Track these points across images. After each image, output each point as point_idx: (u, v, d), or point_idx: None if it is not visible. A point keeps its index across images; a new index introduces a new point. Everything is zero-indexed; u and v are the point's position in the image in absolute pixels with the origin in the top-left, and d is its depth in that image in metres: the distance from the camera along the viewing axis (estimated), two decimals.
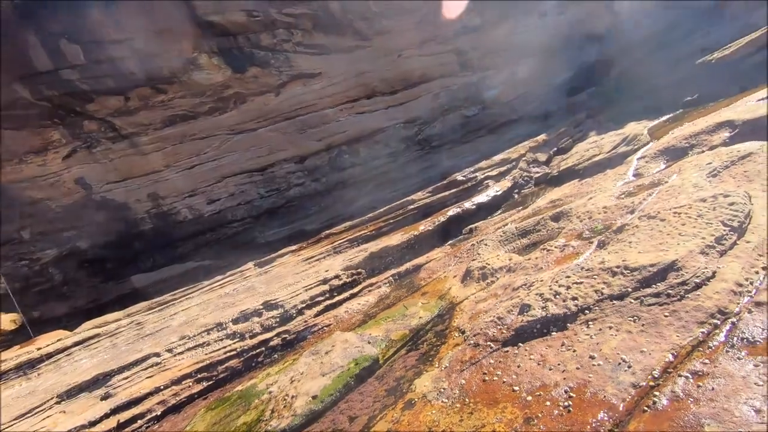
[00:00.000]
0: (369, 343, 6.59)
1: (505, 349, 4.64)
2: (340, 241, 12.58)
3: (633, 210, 6.68)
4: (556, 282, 5.13)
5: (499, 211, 13.17)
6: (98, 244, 14.89)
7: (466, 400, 4.19)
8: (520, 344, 4.59)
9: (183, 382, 8.18)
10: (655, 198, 6.53)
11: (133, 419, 7.62)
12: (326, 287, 9.82)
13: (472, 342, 5.07)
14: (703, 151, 8.83)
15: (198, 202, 17.87)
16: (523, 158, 15.43)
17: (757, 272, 4.16)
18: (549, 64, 23.06)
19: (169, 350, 8.75)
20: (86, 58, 14.69)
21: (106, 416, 7.62)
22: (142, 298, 13.57)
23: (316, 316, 9.32)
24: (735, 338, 3.52)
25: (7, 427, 7.18)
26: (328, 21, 18.02)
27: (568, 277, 5.09)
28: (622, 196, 7.78)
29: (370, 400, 5.05)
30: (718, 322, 3.74)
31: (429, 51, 20.52)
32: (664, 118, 15.38)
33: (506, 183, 13.99)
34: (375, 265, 10.84)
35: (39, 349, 9.83)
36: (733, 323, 3.68)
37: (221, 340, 8.91)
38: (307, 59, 18.34)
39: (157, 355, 8.62)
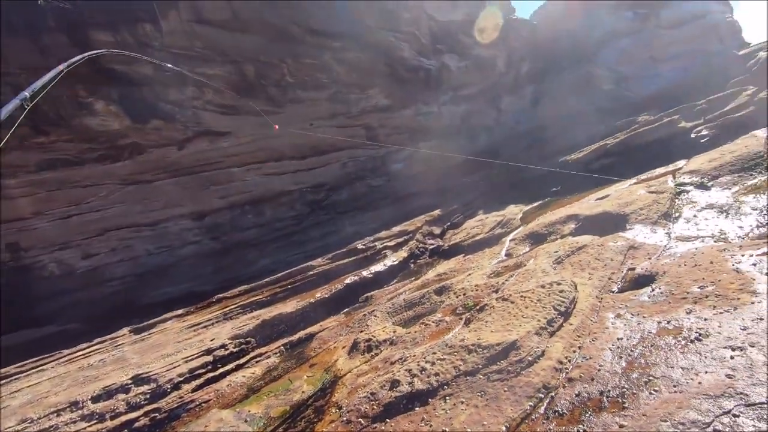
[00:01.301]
0: (246, 421, 6.39)
1: (374, 425, 4.93)
2: (232, 307, 12.12)
3: (497, 289, 7.73)
4: (425, 358, 5.67)
5: (395, 280, 13.92)
6: None
7: None
8: (387, 420, 4.93)
9: None
10: (513, 280, 7.67)
11: None
12: (209, 358, 9.30)
13: (345, 418, 5.28)
14: (556, 239, 10.62)
15: (70, 256, 16.09)
16: (420, 231, 16.75)
17: (574, 351, 5.13)
18: (447, 146, 25.92)
19: None
20: None
21: None
22: None
23: (194, 390, 8.69)
24: (550, 411, 4.27)
25: None
26: (242, 84, 18.57)
27: (434, 353, 5.68)
28: (492, 275, 8.94)
29: None
30: (542, 396, 4.50)
31: (339, 123, 21.95)
32: (536, 204, 18.09)
33: (403, 253, 14.97)
34: (267, 333, 10.60)
35: None
36: (552, 397, 4.47)
37: (74, 422, 7.82)
38: (216, 118, 18.46)
39: None
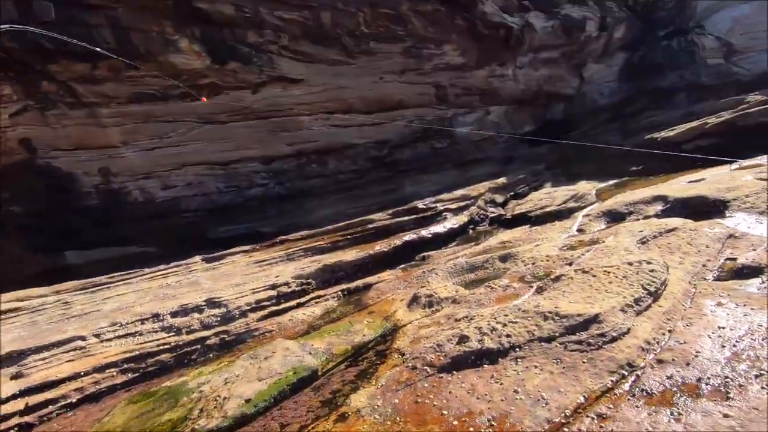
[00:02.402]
0: (310, 353, 6.68)
1: (440, 375, 4.94)
2: (294, 249, 12.59)
3: (571, 262, 7.33)
4: (495, 318, 5.54)
5: (453, 244, 13.74)
6: (34, 211, 13.96)
7: (397, 418, 4.42)
8: (454, 372, 4.91)
9: (106, 371, 7.82)
10: (591, 255, 7.22)
11: (44, 404, 7.16)
12: (274, 293, 9.79)
13: (410, 364, 5.34)
14: (638, 219, 9.83)
15: (152, 185, 17.26)
16: (482, 197, 16.26)
17: (664, 334, 4.76)
18: (517, 114, 24.61)
19: (97, 335, 8.34)
20: (58, 17, 14.07)
21: (14, 397, 7.12)
22: (74, 277, 12.79)
23: (259, 320, 9.24)
24: (636, 389, 4.03)
25: None
26: (317, 31, 18.34)
27: (506, 315, 5.52)
28: (565, 248, 8.49)
29: (303, 409, 5.15)
30: (626, 373, 4.25)
31: (409, 80, 21.30)
32: (611, 182, 16.85)
33: (463, 218, 14.65)
34: (326, 277, 10.94)
35: None
36: (637, 375, 4.20)
37: (155, 331, 8.62)
38: (291, 64, 18.51)
39: (83, 338, 8.19)
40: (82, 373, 7.65)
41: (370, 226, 13.66)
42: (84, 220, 15.59)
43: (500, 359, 4.87)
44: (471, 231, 15.10)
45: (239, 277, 10.82)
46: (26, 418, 6.99)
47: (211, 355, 8.44)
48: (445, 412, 4.28)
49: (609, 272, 5.93)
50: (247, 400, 5.57)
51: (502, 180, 17.63)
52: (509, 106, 24.08)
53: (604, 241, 7.90)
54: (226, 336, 8.74)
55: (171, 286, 10.87)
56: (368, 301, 9.51)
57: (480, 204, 16.07)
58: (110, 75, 15.77)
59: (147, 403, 6.63)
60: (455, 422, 4.11)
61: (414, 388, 4.82)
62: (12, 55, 13.76)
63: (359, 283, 10.89)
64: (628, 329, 4.74)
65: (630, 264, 6.03)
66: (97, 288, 11.04)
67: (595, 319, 4.87)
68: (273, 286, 9.88)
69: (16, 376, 7.43)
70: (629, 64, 24.07)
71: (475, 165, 21.30)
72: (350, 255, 11.60)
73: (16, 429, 6.86)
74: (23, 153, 14.59)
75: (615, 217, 10.54)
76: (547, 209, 12.26)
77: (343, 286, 10.80)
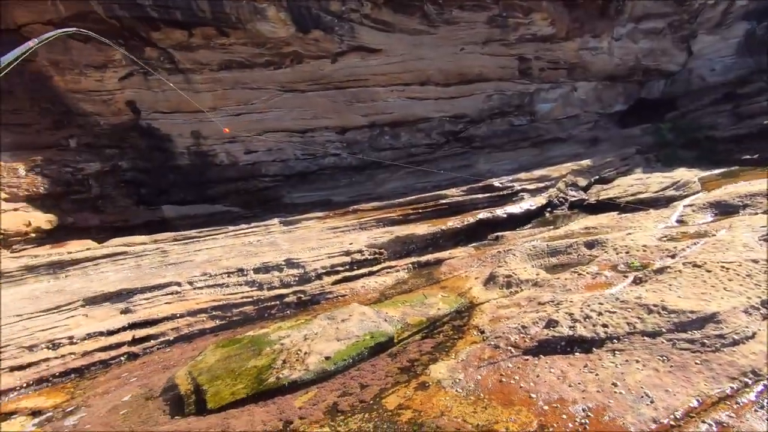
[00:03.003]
0: (385, 320, 6.75)
1: (526, 357, 4.73)
2: (366, 218, 12.72)
3: (674, 255, 6.61)
4: (588, 306, 5.16)
5: (529, 226, 13.11)
6: (138, 167, 15.35)
7: (481, 395, 4.31)
8: (542, 356, 4.67)
9: (198, 315, 8.53)
10: (700, 248, 6.45)
11: (147, 338, 8.00)
12: (348, 259, 10.00)
13: (492, 343, 5.17)
14: (756, 213, 8.62)
15: (236, 149, 18.20)
16: (563, 179, 15.24)
17: None
18: (607, 91, 22.56)
19: (190, 283, 9.08)
20: None
21: (124, 329, 8.01)
22: (169, 229, 14.02)
23: (333, 284, 9.52)
24: (765, 400, 3.54)
25: (35, 317, 7.62)
26: (400, 1, 17.86)
27: (601, 304, 5.11)
28: (664, 238, 7.68)
29: (382, 373, 5.22)
30: (750, 381, 3.75)
31: (492, 51, 20.21)
32: (718, 171, 14.98)
33: (541, 199, 13.87)
34: (397, 249, 10.96)
35: (70, 253, 10.30)
36: (765, 385, 3.69)
37: (240, 285, 9.21)
38: (371, 33, 18.28)
39: (178, 284, 8.96)
40: (178, 315, 8.41)
41: (443, 201, 13.40)
42: (177, 178, 16.95)
43: (594, 348, 4.53)
44: (548, 214, 14.30)
45: (314, 241, 11.19)
46: (133, 349, 7.86)
47: (288, 312, 8.88)
48: (533, 395, 4.09)
49: (727, 269, 5.23)
50: (327, 357, 5.77)
51: (586, 162, 16.36)
52: (599, 82, 22.07)
53: (714, 235, 7.02)
54: (302, 296, 9.12)
55: (252, 244, 11.53)
56: (440, 276, 9.39)
57: (560, 186, 15.09)
58: (203, 42, 16.60)
59: (233, 348, 7.13)
60: (545, 407, 3.90)
61: (497, 367, 4.66)
62: (122, 22, 14.88)
63: (430, 257, 10.79)
64: (753, 333, 4.17)
65: (755, 261, 5.27)
66: (189, 241, 12.00)
67: (712, 318, 4.33)
68: (347, 253, 10.08)
69: (125, 311, 8.35)
70: (750, 36, 20.82)
71: (556, 145, 19.97)
72: (422, 229, 11.48)
73: (125, 356, 7.76)
74: (129, 114, 15.96)
75: (725, 210, 9.33)
76: (641, 196, 11.16)
77: (414, 259, 10.76)
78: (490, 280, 7.83)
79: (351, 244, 10.57)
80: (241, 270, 9.51)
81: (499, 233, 12.21)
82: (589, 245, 8.48)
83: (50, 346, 7.29)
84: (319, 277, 9.50)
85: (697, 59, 21.54)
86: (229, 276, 9.43)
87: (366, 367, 5.49)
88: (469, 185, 14.16)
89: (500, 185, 14.01)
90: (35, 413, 5.90)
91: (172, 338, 8.13)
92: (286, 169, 18.21)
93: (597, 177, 16.27)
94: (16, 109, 13.94)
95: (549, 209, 14.47)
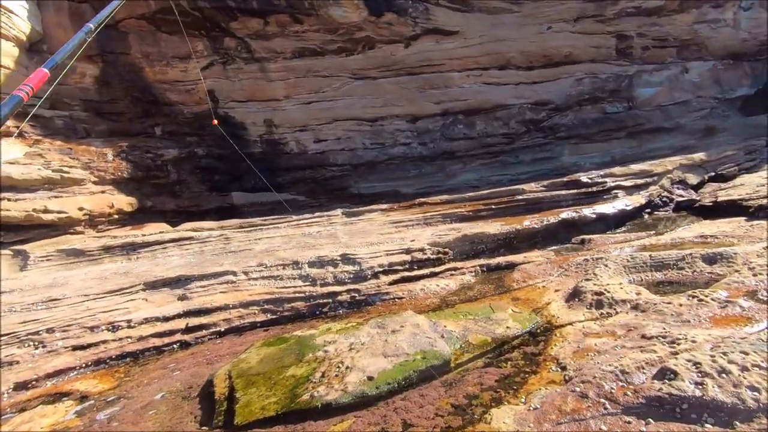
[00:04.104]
0: (443, 337, 5.69)
1: (627, 418, 3.41)
2: (432, 213, 11.62)
3: None
4: (723, 353, 3.65)
5: (623, 229, 11.08)
6: (213, 154, 15.70)
7: None
8: (651, 421, 3.33)
9: (250, 308, 8.15)
10: None
11: (199, 327, 7.78)
12: (408, 257, 9.03)
13: (577, 389, 3.89)
14: None
15: (306, 138, 17.97)
16: (668, 175, 12.75)
17: None
18: (729, 72, 18.83)
19: (245, 273, 8.76)
20: None
21: (179, 316, 7.87)
22: (236, 215, 14.13)
23: (390, 284, 8.63)
24: None
25: (99, 298, 7.76)
26: None
27: (745, 352, 3.58)
28: None
29: (431, 409, 4.21)
30: None
31: (584, 29, 17.74)
32: None
33: (639, 198, 11.67)
34: (465, 249, 9.75)
35: (144, 235, 10.61)
36: None
37: (294, 278, 8.69)
38: (447, 14, 16.88)
39: (234, 274, 8.68)
40: (231, 306, 8.10)
41: (520, 197, 11.81)
42: (249, 166, 17.20)
43: (738, 422, 3.10)
44: (647, 216, 12.03)
45: (375, 235, 10.38)
46: (186, 337, 7.68)
47: (341, 311, 8.17)
48: None
49: None
50: (370, 378, 4.89)
51: (699, 156, 13.54)
52: (719, 62, 18.43)
53: None
54: (356, 295, 8.36)
55: (312, 235, 11.04)
56: (512, 284, 8.05)
57: (664, 183, 12.63)
58: (278, 30, 16.45)
59: (278, 348, 6.55)
60: None
61: (585, 426, 3.41)
62: (203, 13, 15.10)
63: (501, 260, 9.43)
64: None
65: None
66: (252, 228, 11.87)
67: None
68: (407, 251, 9.11)
69: (181, 298, 8.23)
70: None
71: (659, 135, 17.04)
72: (494, 227, 10.11)
73: (177, 344, 7.61)
74: (208, 102, 16.37)
75: None
76: None
77: (483, 261, 9.48)
78: (575, 297, 6.37)
79: (413, 240, 9.57)
80: (296, 263, 9.00)
81: (586, 236, 10.41)
82: (710, 259, 6.59)
83: (110, 328, 7.31)
84: (375, 275, 8.66)
85: None
86: (284, 268, 8.96)
87: (413, 397, 4.51)
88: (551, 180, 12.36)
89: (589, 180, 12.03)
90: (83, 398, 5.81)
91: (223, 329, 7.83)
92: (354, 158, 17.65)
93: (713, 174, 13.41)
94: (112, 99, 14.85)
95: (648, 210, 12.19)
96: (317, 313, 8.17)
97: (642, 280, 6.80)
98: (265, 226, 11.80)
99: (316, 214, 13.26)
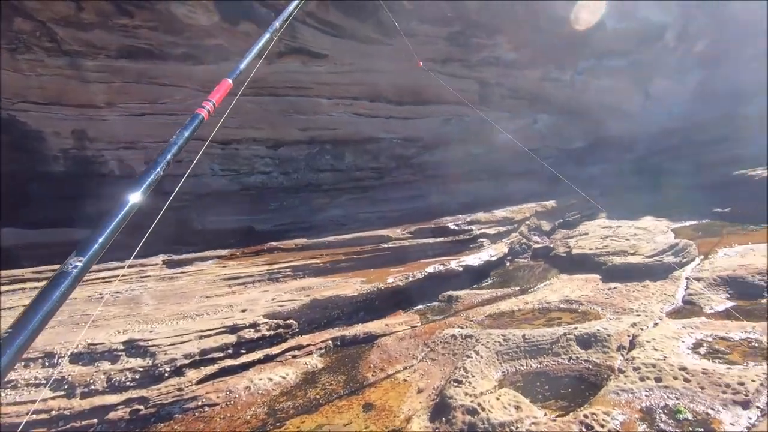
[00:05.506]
0: None
1: None
2: (282, 265, 9.18)
3: (747, 402, 3.75)
4: None
5: (488, 281, 10.20)
6: None
7: None
8: None
9: None
10: None
11: None
12: (232, 339, 6.43)
13: None
14: None
15: (134, 157, 14.02)
16: (527, 222, 12.63)
17: None
18: (568, 127, 20.71)
19: None
20: None
21: None
22: (5, 262, 9.67)
23: (200, 382, 5.88)
24: None
25: None
26: (351, 3, 14.86)
27: None
28: (703, 349, 4.89)
29: None
30: None
31: (451, 71, 17.63)
32: (688, 223, 13.02)
33: (503, 247, 11.07)
34: (315, 317, 7.55)
35: None
36: None
37: (34, 386, 5.35)
38: (316, 35, 14.99)
39: None
40: None
41: (385, 245, 10.18)
42: (42, 189, 12.59)
43: None
44: (509, 263, 11.55)
45: (195, 300, 7.51)
46: None
47: None
48: None
49: None
50: None
51: (551, 203, 13.91)
52: (560, 117, 20.20)
53: None
54: (142, 407, 5.41)
55: (101, 300, 7.61)
56: (367, 374, 6.06)
57: (523, 230, 12.44)
58: (98, 20, 12.50)
59: None
60: None
61: None
62: None
63: (359, 330, 7.46)
64: None
65: None
66: (11, 288, 7.86)
67: None
68: (232, 329, 6.49)
69: None
70: (706, 84, 19.88)
71: (516, 179, 17.60)
72: (352, 287, 8.14)
73: None
74: None
75: (744, 290, 6.85)
76: (631, 260, 8.55)
77: (337, 333, 7.39)
78: (442, 414, 4.59)
79: (245, 311, 7.00)
80: (49, 356, 5.66)
81: (453, 292, 9.17)
82: (584, 343, 5.54)
83: None
84: (177, 371, 5.82)
85: (654, 102, 20.28)
86: (25, 366, 5.55)
87: None
88: (418, 225, 11.08)
89: (456, 228, 11.05)
90: None
91: None
92: (198, 186, 14.27)
93: (561, 220, 13.87)
94: None
95: (510, 257, 11.75)
96: None
97: (517, 371, 5.42)
98: (28, 287, 7.90)
99: (128, 262, 9.67)
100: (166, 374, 5.69)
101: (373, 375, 5.97)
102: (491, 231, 11.35)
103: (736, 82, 18.91)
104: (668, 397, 4.06)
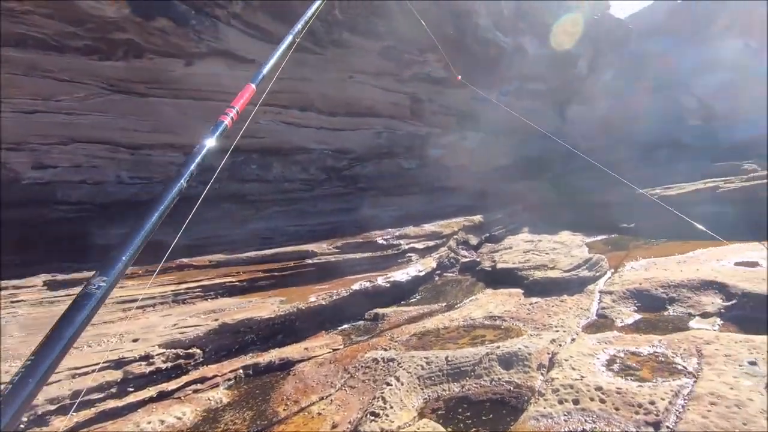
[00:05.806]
0: None
1: None
2: (191, 284, 8.18)
3: (658, 423, 3.74)
4: None
5: (416, 296, 9.97)
6: None
7: None
8: None
9: None
10: (696, 411, 3.71)
11: None
12: (118, 374, 5.41)
13: None
14: (691, 315, 6.60)
15: (19, 160, 12.11)
16: (455, 236, 12.71)
17: None
18: (495, 144, 21.62)
19: None
20: None
21: None
22: None
23: (73, 429, 4.84)
24: None
25: None
26: (282, 4, 14.24)
27: None
28: (616, 367, 4.93)
29: None
30: None
31: (384, 85, 17.61)
32: (600, 237, 13.98)
33: (431, 262, 10.96)
34: (224, 343, 6.70)
35: None
36: None
37: None
38: (241, 38, 14.13)
39: None
40: None
41: (310, 261, 9.56)
42: None
43: None
44: (437, 278, 11.47)
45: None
46: None
47: None
48: None
49: None
50: None
51: (478, 218, 14.21)
52: (486, 135, 21.06)
53: (693, 377, 4.41)
54: None
55: None
56: (279, 408, 5.39)
57: (451, 245, 12.48)
58: None
59: None
60: None
61: None
62: None
63: (275, 356, 6.73)
64: None
65: None
66: None
67: None
68: (118, 364, 5.47)
69: None
70: (612, 111, 21.97)
71: (446, 194, 17.88)
72: (268, 309, 7.41)
73: None
74: None
75: (649, 304, 7.25)
76: (550, 274, 8.80)
77: (249, 360, 6.61)
78: None
79: (136, 340, 5.98)
80: None
81: (379, 310, 8.77)
82: (506, 362, 5.39)
83: None
84: (37, 420, 4.73)
85: (570, 125, 21.96)
86: None
87: None
88: (346, 240, 10.61)
89: (384, 242, 10.75)
90: None
91: None
92: (101, 194, 12.62)
93: (488, 234, 14.21)
94: None
95: (439, 272, 11.68)
96: None
97: (439, 396, 5.10)
98: None
99: (2, 283, 8.07)
100: (22, 426, 4.57)
101: (284, 409, 5.32)
102: (420, 246, 11.20)
103: (637, 111, 21.13)
104: (585, 421, 3.95)
